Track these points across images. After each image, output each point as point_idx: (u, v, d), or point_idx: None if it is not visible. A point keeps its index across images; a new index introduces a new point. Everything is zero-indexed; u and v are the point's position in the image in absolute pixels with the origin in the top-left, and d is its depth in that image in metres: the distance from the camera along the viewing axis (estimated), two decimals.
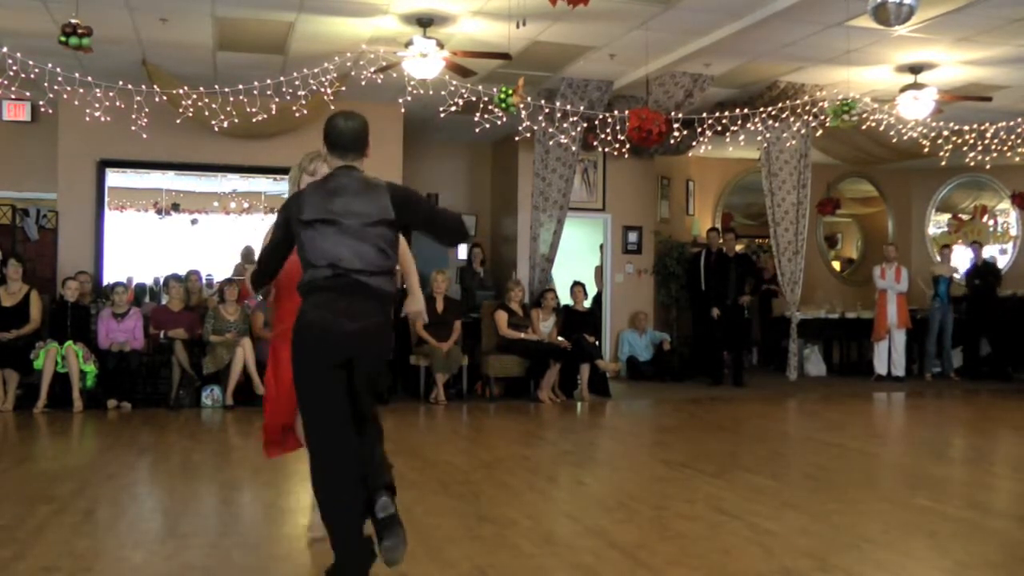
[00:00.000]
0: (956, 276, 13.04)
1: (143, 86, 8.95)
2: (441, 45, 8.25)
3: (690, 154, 12.83)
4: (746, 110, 10.17)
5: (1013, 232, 14.59)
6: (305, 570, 3.97)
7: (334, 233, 3.66)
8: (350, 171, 3.77)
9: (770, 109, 10.27)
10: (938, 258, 14.07)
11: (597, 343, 10.96)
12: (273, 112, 9.47)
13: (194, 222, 11.89)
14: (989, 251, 13.75)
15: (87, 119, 8.84)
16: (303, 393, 3.62)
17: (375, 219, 3.69)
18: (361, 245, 3.67)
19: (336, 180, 3.75)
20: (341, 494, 3.50)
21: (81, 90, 8.57)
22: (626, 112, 9.56)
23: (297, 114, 9.58)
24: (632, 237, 12.69)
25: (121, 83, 8.73)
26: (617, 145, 10.09)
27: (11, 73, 8.12)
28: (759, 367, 13.63)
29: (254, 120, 9.41)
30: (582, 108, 10.27)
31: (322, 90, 9.17)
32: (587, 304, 11.26)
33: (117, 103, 8.85)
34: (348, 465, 3.52)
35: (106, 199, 10.73)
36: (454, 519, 4.62)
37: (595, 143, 10.59)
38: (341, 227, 3.66)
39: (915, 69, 9.63)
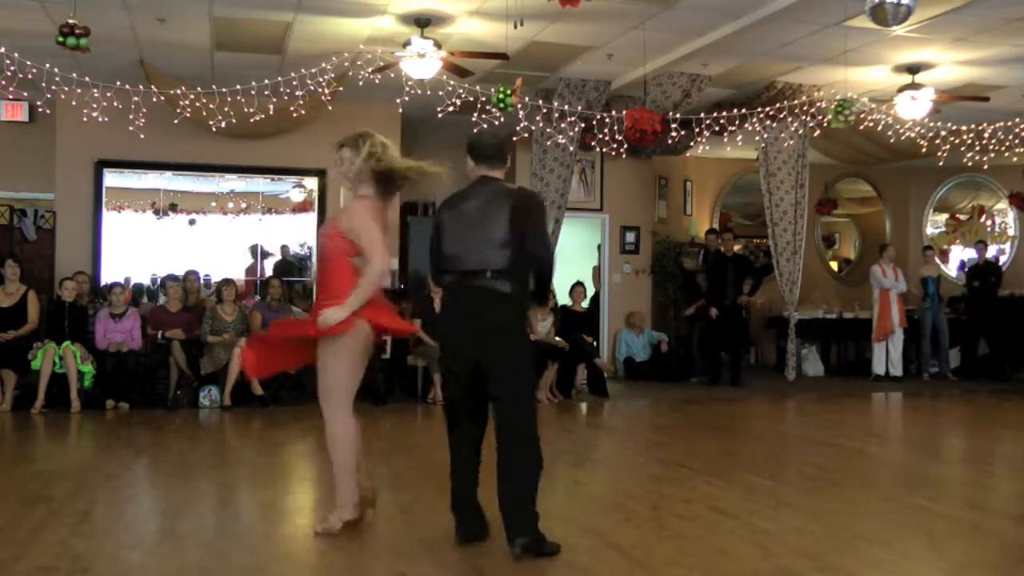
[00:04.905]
0: (951, 276, 13.01)
1: (141, 86, 8.94)
2: (439, 45, 8.25)
3: (688, 154, 12.84)
4: (744, 110, 10.17)
5: (1011, 232, 14.60)
6: (303, 570, 3.97)
7: None
8: None
9: (768, 109, 10.27)
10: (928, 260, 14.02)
11: (595, 343, 10.95)
12: (271, 112, 9.47)
13: (192, 222, 11.86)
14: (988, 251, 13.73)
15: (85, 119, 8.82)
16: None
17: None
18: None
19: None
20: None
21: (79, 90, 8.57)
22: (623, 112, 9.57)
23: (295, 114, 9.57)
24: (630, 237, 12.70)
25: (119, 83, 8.73)
26: (615, 145, 10.10)
27: (9, 73, 8.10)
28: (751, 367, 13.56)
29: (252, 120, 9.42)
30: (580, 108, 10.27)
31: (320, 90, 9.16)
32: (585, 304, 11.25)
33: (115, 103, 8.84)
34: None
35: (104, 199, 10.72)
36: (452, 519, 4.60)
37: (593, 143, 10.58)
38: None
39: (912, 69, 9.64)
